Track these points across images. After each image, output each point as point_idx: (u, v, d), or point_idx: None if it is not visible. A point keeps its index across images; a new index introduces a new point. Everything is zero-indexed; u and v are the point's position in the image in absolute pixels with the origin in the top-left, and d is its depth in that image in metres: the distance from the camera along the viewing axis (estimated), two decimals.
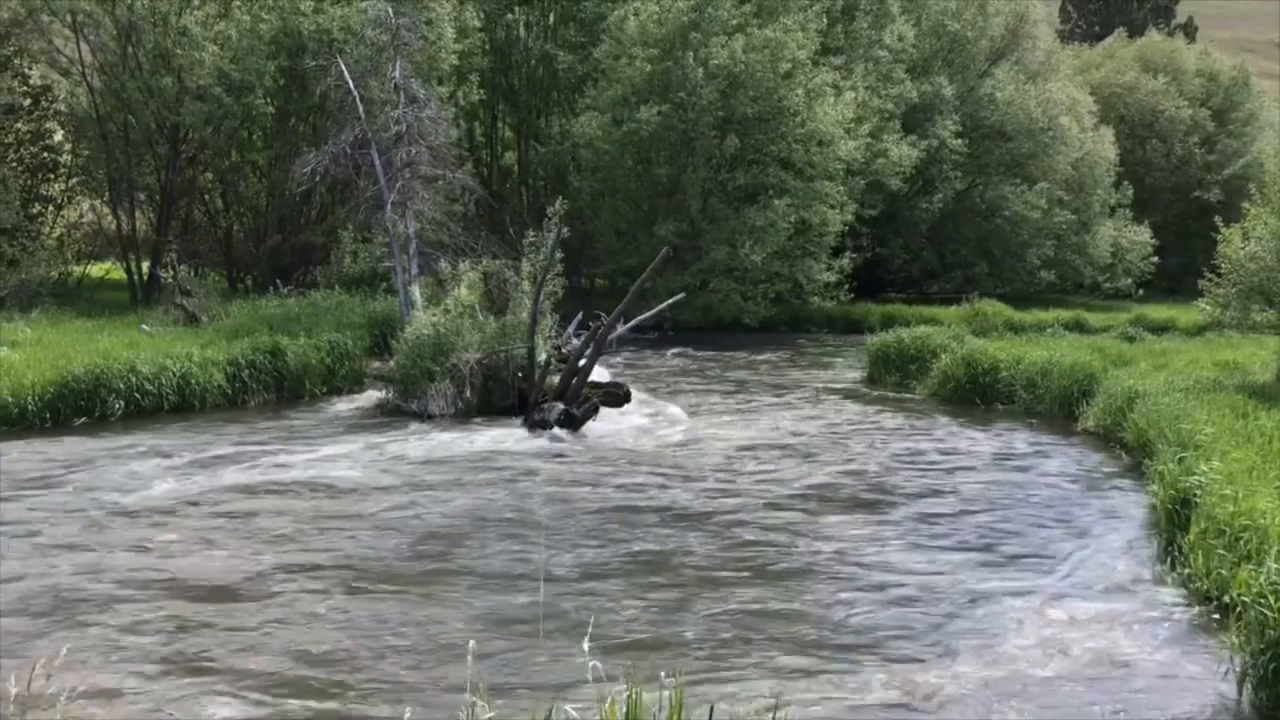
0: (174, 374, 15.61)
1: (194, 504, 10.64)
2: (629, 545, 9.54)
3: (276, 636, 7.31)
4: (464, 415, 15.69)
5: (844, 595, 8.39)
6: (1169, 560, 8.99)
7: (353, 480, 11.82)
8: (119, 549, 9.11)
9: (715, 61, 28.85)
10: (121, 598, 7.94)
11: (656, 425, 15.82)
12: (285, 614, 7.73)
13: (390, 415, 15.94)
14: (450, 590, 8.36)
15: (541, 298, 16.27)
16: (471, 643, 5.47)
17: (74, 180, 27.29)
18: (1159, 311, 35.05)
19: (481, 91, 30.05)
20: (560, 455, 13.61)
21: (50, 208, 24.50)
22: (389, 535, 9.76)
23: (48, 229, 22.84)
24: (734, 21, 29.80)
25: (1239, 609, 7.06)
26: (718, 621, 7.73)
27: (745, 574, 8.83)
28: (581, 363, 16.16)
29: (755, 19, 30.22)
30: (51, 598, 7.89)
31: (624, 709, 5.11)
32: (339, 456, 13.00)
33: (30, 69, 26.53)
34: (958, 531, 10.28)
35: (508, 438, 14.50)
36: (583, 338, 16.96)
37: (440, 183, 20.22)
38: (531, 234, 17.70)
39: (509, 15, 33.95)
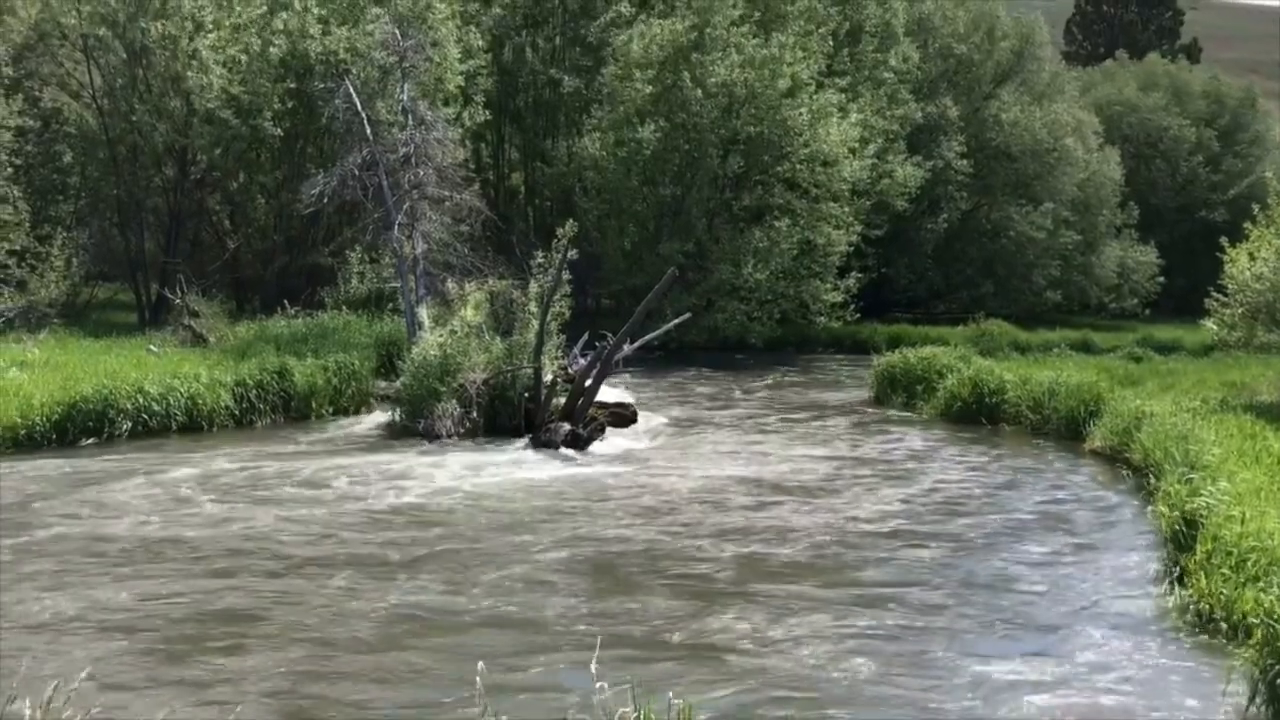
0: (182, 394, 15.66)
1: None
2: (625, 557, 9.56)
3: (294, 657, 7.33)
4: (470, 435, 15.73)
5: (847, 617, 8.38)
6: (1174, 581, 8.95)
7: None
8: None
9: (713, 80, 28.99)
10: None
11: (659, 445, 15.82)
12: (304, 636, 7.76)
13: (397, 436, 15.97)
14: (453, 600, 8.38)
15: (548, 318, 16.31)
16: (480, 664, 5.46)
17: (83, 202, 27.43)
18: (1165, 332, 35.03)
19: (488, 113, 30.17)
20: (559, 478, 13.63)
21: (59, 229, 24.65)
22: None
23: (56, 250, 22.94)
24: (734, 41, 29.93)
25: (1248, 629, 7.03)
26: (719, 637, 7.73)
27: (742, 594, 8.83)
28: (588, 383, 16.18)
29: (755, 39, 30.33)
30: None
31: None
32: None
33: (41, 92, 26.74)
34: (960, 552, 10.26)
35: (514, 458, 14.53)
36: (589, 358, 16.99)
37: (447, 204, 20.27)
38: (540, 255, 17.74)
39: (515, 38, 34.14)
